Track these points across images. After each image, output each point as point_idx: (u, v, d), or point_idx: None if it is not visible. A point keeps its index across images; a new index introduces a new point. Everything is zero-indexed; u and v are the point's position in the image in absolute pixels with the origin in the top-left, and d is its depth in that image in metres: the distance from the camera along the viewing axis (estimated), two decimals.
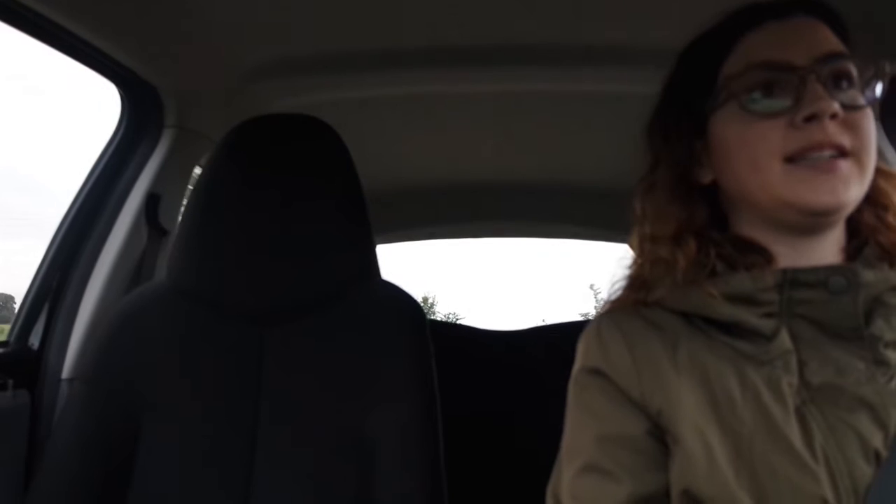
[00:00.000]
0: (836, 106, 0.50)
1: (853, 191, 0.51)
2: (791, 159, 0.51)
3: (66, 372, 0.97)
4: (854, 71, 0.53)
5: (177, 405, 0.80)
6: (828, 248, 0.55)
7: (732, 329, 0.54)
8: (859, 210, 0.55)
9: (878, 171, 0.55)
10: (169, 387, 0.81)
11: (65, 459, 0.78)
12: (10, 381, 0.89)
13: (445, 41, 1.04)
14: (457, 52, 1.06)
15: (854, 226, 0.57)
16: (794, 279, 0.52)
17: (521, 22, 0.98)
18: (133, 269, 1.08)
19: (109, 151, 1.09)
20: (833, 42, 0.54)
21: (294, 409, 0.81)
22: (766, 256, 0.55)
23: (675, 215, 0.58)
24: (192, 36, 0.99)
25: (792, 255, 0.55)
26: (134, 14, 0.90)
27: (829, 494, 0.46)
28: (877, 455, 0.48)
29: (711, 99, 0.56)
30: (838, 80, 0.52)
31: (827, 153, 0.50)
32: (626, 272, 0.62)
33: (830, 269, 0.52)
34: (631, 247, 0.63)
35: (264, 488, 0.78)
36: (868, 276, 0.51)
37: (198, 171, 1.21)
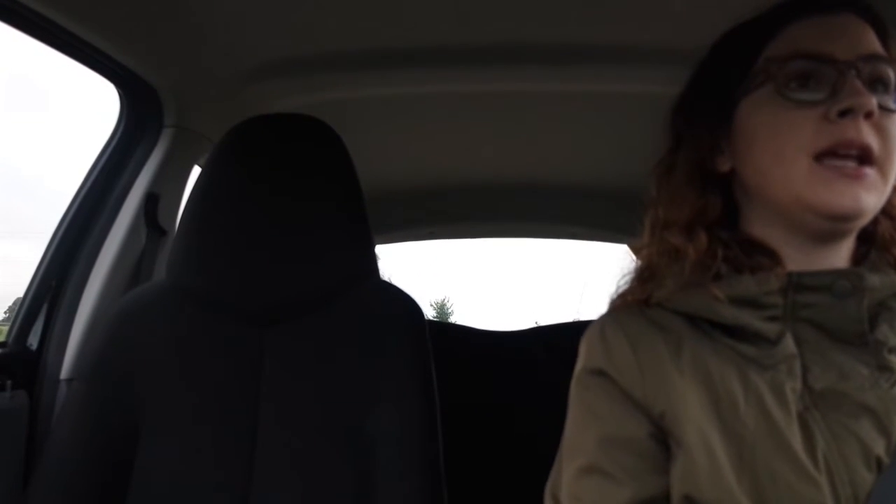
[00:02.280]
0: (874, 102, 0.49)
1: (874, 199, 0.50)
2: (818, 158, 0.50)
3: (64, 372, 0.97)
4: (892, 78, 0.52)
5: (176, 405, 0.80)
6: (838, 256, 0.55)
7: (736, 332, 0.53)
8: (875, 221, 0.54)
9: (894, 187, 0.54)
10: (168, 387, 0.81)
11: (64, 460, 0.77)
12: (9, 382, 0.89)
13: (445, 41, 1.04)
14: (456, 52, 1.06)
15: (866, 235, 0.56)
16: (799, 283, 0.52)
17: (522, 22, 0.98)
18: (132, 269, 1.07)
19: (108, 151, 1.09)
20: (876, 44, 0.53)
21: (293, 408, 0.81)
22: (773, 259, 0.55)
23: (690, 201, 0.58)
24: (191, 36, 0.99)
25: (801, 259, 0.54)
26: (133, 14, 0.90)
27: (829, 502, 0.46)
28: (878, 462, 0.47)
29: (746, 82, 0.56)
30: (875, 83, 0.52)
31: (854, 153, 0.49)
32: (634, 264, 0.62)
33: (835, 273, 0.52)
34: (631, 248, 0.63)
35: (264, 487, 0.78)
36: (873, 280, 0.51)
37: (197, 170, 1.21)
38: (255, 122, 0.91)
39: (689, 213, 0.57)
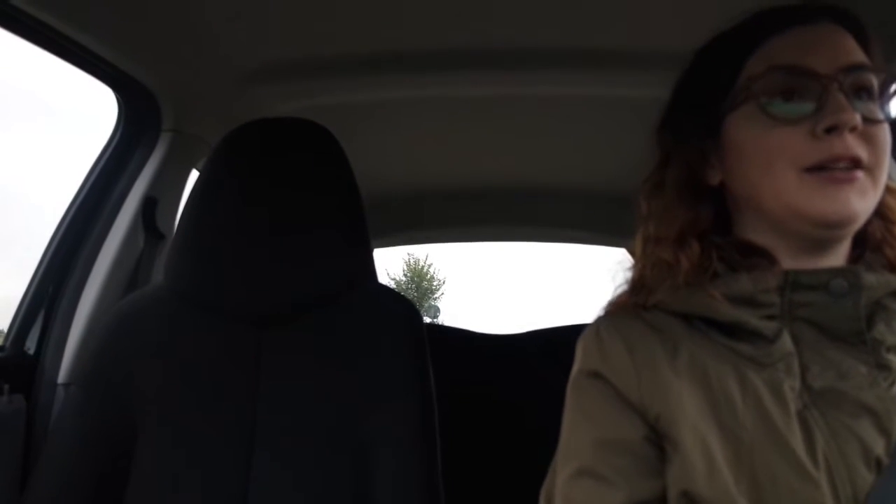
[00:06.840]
0: (857, 118, 0.49)
1: (865, 204, 0.50)
2: (808, 170, 0.50)
3: (62, 376, 0.97)
4: (875, 84, 0.52)
5: (174, 409, 0.80)
6: (834, 258, 0.55)
7: (733, 331, 0.53)
8: (867, 222, 0.54)
9: (886, 189, 0.54)
10: (166, 390, 0.81)
11: (61, 464, 0.77)
12: (6, 386, 0.89)
13: (443, 45, 1.04)
14: (455, 56, 1.06)
15: (859, 237, 0.56)
16: (796, 281, 0.52)
17: (521, 25, 0.99)
18: (130, 273, 1.07)
19: (106, 155, 1.09)
20: (857, 53, 0.53)
21: (291, 410, 0.80)
22: (768, 259, 0.55)
23: (680, 216, 0.57)
24: (189, 40, 0.99)
25: (796, 262, 0.54)
26: (131, 18, 0.90)
27: (829, 502, 0.46)
28: (878, 462, 0.47)
29: (729, 99, 0.56)
30: (859, 92, 0.52)
31: (843, 165, 0.49)
32: (627, 275, 0.62)
33: (832, 272, 0.52)
34: (630, 252, 0.63)
35: (262, 490, 0.77)
36: (869, 279, 0.51)
37: (195, 174, 1.21)
38: (253, 126, 0.91)
39: (679, 228, 0.57)
